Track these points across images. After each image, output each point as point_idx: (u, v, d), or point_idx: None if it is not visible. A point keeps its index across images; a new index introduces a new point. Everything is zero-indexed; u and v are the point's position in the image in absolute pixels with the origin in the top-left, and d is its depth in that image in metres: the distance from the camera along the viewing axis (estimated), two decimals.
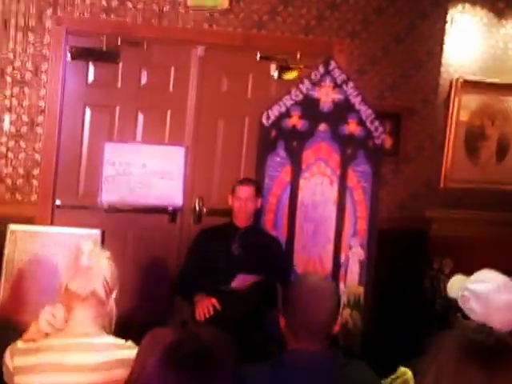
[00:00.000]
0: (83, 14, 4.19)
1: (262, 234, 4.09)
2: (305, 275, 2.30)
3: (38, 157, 4.20)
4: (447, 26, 4.74)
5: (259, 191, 4.00)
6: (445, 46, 4.76)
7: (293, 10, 4.49)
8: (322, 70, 4.38)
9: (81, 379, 2.01)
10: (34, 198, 4.20)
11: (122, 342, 2.10)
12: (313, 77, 4.37)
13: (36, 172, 4.20)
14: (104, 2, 4.21)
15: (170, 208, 4.43)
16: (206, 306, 3.56)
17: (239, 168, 4.55)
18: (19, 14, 4.11)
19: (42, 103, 4.18)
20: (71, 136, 4.30)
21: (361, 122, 4.44)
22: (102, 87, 4.35)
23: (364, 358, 2.37)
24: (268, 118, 4.32)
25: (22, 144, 4.18)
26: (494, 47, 4.89)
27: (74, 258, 2.15)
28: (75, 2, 4.17)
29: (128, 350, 2.01)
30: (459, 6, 4.77)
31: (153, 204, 4.39)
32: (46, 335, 2.10)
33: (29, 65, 4.15)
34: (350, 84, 4.41)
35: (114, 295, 2.18)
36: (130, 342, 2.09)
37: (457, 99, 4.81)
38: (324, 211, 4.42)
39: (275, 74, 4.56)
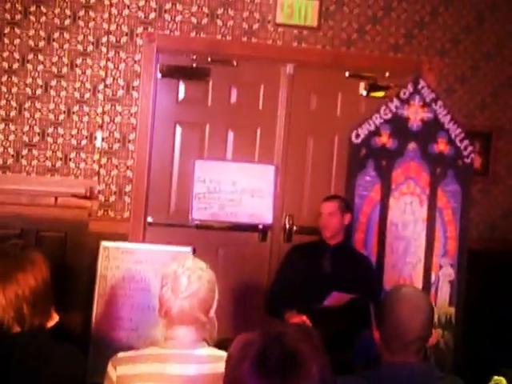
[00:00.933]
0: (173, 32, 4.19)
1: (353, 252, 4.02)
2: (399, 286, 2.25)
3: (130, 174, 4.17)
4: None
5: (346, 206, 3.93)
6: None
7: (381, 28, 4.45)
8: (410, 88, 4.34)
9: None
10: (126, 214, 4.18)
11: (223, 354, 2.00)
12: (402, 95, 4.32)
13: (128, 189, 4.17)
14: (194, 20, 4.21)
15: (261, 226, 4.39)
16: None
17: (329, 186, 4.49)
18: (111, 31, 4.13)
19: (133, 120, 4.17)
20: (162, 153, 4.28)
21: (450, 141, 4.38)
22: (192, 105, 4.33)
23: (457, 374, 2.33)
24: (357, 136, 4.28)
25: (114, 161, 4.16)
26: None
27: (173, 279, 2.07)
28: (165, 19, 4.17)
29: None
30: None
31: (243, 222, 4.35)
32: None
33: (120, 82, 4.14)
34: (439, 103, 4.36)
35: (214, 308, 2.15)
36: None
37: None
38: (414, 230, 4.35)
39: (364, 92, 4.53)
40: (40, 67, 4.06)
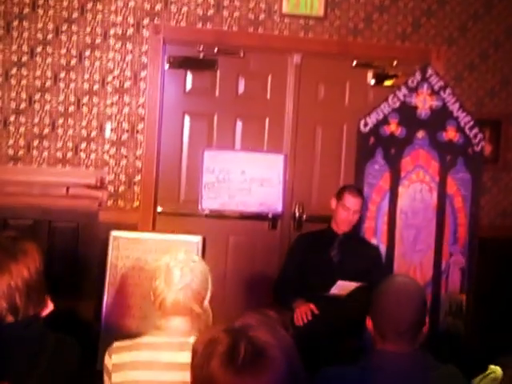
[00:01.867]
0: (179, 23, 4.22)
1: (361, 242, 4.02)
2: (392, 275, 2.25)
3: (139, 164, 4.20)
4: None
5: (364, 201, 3.95)
6: None
7: (388, 17, 4.44)
8: (419, 76, 4.34)
9: (173, 377, 1.98)
10: (135, 204, 4.20)
11: None
12: (410, 84, 4.32)
13: (137, 179, 4.20)
14: (200, 11, 4.23)
15: (270, 215, 4.39)
16: (304, 312, 3.51)
17: (338, 175, 4.50)
18: (117, 23, 4.17)
19: (141, 111, 4.20)
20: (171, 143, 4.30)
21: (459, 129, 4.37)
22: (200, 95, 4.35)
23: (465, 362, 2.33)
24: (366, 124, 4.29)
25: (123, 151, 4.20)
26: None
27: (165, 272, 2.10)
28: (171, 11, 4.19)
29: None
30: None
31: (253, 211, 4.36)
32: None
33: (128, 73, 4.18)
34: (448, 91, 4.36)
35: (207, 298, 2.15)
36: None
37: None
38: (424, 218, 4.34)
39: (372, 82, 4.54)
40: (49, 59, 4.10)
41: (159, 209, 4.30)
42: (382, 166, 4.32)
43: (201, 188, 4.27)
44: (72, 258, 4.19)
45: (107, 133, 4.19)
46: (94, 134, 4.19)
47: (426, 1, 4.49)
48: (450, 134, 4.37)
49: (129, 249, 4.05)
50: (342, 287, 3.63)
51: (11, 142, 4.13)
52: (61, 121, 4.15)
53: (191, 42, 4.25)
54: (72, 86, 4.14)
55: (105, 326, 3.99)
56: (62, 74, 4.13)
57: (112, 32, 4.17)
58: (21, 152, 4.14)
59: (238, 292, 4.35)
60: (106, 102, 4.19)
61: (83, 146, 4.18)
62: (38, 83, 4.12)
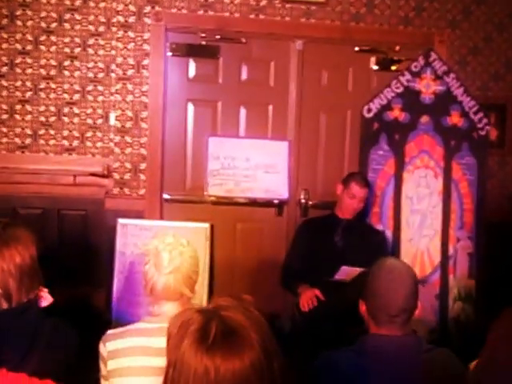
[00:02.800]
0: (181, 10, 4.24)
1: (365, 227, 4.04)
2: (384, 259, 2.26)
3: (144, 151, 4.24)
4: None
5: (370, 190, 3.98)
6: None
7: (390, 1, 4.44)
8: (422, 61, 4.35)
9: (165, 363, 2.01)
10: (141, 192, 4.24)
11: None
12: (413, 68, 4.34)
13: (143, 166, 4.24)
14: None
15: (276, 201, 4.42)
16: (309, 297, 3.54)
17: (343, 161, 4.52)
18: (119, 11, 4.20)
19: (145, 99, 4.23)
20: (175, 130, 4.33)
21: (464, 114, 4.36)
22: (203, 82, 4.38)
23: (475, 347, 2.34)
24: (369, 110, 4.32)
25: (128, 139, 4.23)
26: None
27: (155, 255, 2.11)
28: None
29: None
30: None
31: (259, 197, 4.38)
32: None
33: (130, 61, 4.21)
34: (452, 75, 4.37)
35: (198, 282, 2.16)
36: None
37: None
38: (429, 203, 4.35)
39: (375, 67, 4.55)
40: (53, 48, 4.13)
41: (166, 196, 4.34)
42: (386, 151, 4.35)
43: (206, 175, 4.31)
44: (81, 245, 4.24)
45: (112, 121, 4.25)
46: (99, 122, 4.23)
47: None
48: (455, 118, 4.39)
49: (136, 236, 4.11)
50: (346, 272, 3.64)
51: (18, 130, 4.18)
52: (66, 109, 4.19)
53: (193, 28, 4.27)
54: (77, 74, 4.18)
55: (115, 312, 4.05)
56: (67, 63, 4.17)
57: (114, 20, 4.22)
58: (27, 141, 4.19)
59: (246, 278, 4.38)
60: (111, 90, 4.25)
61: (89, 134, 4.23)
62: (42, 72, 4.16)
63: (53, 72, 4.18)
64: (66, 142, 4.22)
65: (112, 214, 4.10)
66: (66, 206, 4.19)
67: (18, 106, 4.18)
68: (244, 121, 4.46)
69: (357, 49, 4.53)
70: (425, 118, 4.38)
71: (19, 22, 4.15)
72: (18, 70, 4.16)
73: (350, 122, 4.54)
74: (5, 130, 4.17)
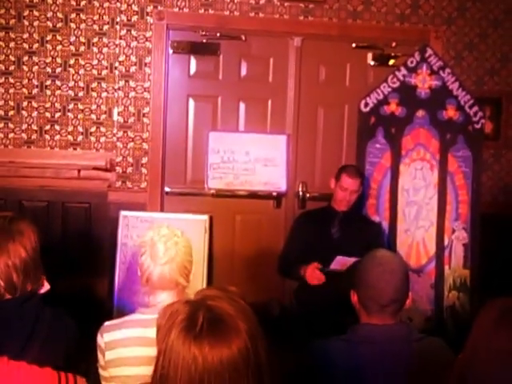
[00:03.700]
0: (182, 10, 4.35)
1: (361, 219, 4.10)
2: (375, 250, 2.30)
3: (145, 146, 4.36)
4: None
5: (363, 181, 4.02)
6: None
7: None
8: (418, 57, 4.42)
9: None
10: (143, 185, 4.37)
11: None
12: (409, 64, 4.40)
13: (145, 160, 4.37)
14: None
15: (275, 193, 4.52)
16: (316, 276, 3.63)
17: (340, 154, 4.61)
18: (122, 11, 4.32)
19: (147, 95, 4.35)
20: (176, 126, 4.45)
21: (459, 108, 4.42)
22: (203, 79, 4.50)
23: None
24: (366, 105, 4.40)
25: (130, 134, 4.36)
26: None
27: (150, 246, 2.15)
28: None
29: None
30: None
31: (258, 190, 4.49)
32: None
33: (133, 58, 4.33)
34: (447, 70, 4.43)
35: (192, 272, 2.21)
36: None
37: None
38: (425, 195, 4.41)
39: (372, 63, 4.64)
40: (59, 47, 4.27)
41: (167, 189, 4.46)
42: (382, 144, 4.43)
43: (206, 168, 4.44)
44: (85, 237, 4.38)
45: (115, 117, 4.38)
46: (103, 117, 4.36)
47: None
48: (450, 112, 4.46)
49: (138, 227, 4.24)
50: (341, 262, 3.70)
51: (24, 126, 4.33)
52: (71, 105, 4.33)
53: (194, 27, 4.39)
54: (81, 71, 4.31)
55: (117, 301, 4.19)
56: (72, 61, 4.30)
57: (118, 19, 4.35)
58: (34, 136, 4.33)
59: (244, 268, 4.49)
60: (115, 86, 4.39)
61: (93, 129, 4.36)
62: (48, 70, 4.30)
63: (58, 70, 4.33)
64: (70, 137, 4.36)
65: (115, 207, 4.23)
66: (70, 199, 4.33)
67: (25, 103, 4.32)
68: (243, 116, 4.57)
69: (354, 45, 4.63)
70: (421, 112, 4.45)
71: (26, 22, 4.29)
72: (25, 68, 4.30)
73: (348, 116, 4.64)
74: (12, 125, 4.32)
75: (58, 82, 4.33)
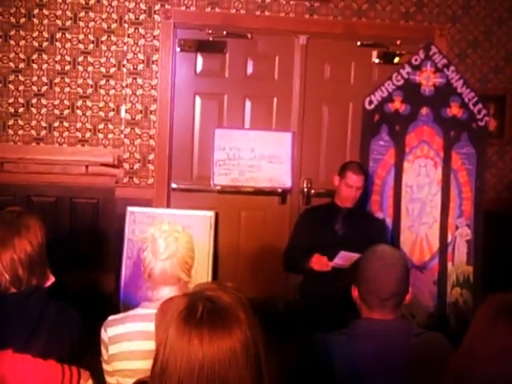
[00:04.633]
0: (189, 8, 4.38)
1: (365, 215, 4.10)
2: (375, 245, 2.29)
3: (152, 143, 4.39)
4: None
5: (366, 177, 4.03)
6: None
7: None
8: (422, 55, 4.42)
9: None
10: (150, 181, 4.39)
11: None
12: (413, 62, 4.40)
13: (151, 157, 4.40)
14: None
15: (280, 190, 4.54)
16: (322, 261, 3.64)
17: (345, 151, 4.63)
18: (130, 9, 4.35)
19: (154, 92, 4.38)
20: (183, 123, 4.48)
21: (463, 105, 4.41)
22: (210, 76, 4.52)
23: None
24: (371, 102, 4.40)
25: (138, 131, 4.38)
26: None
27: (151, 242, 2.15)
28: None
29: None
30: None
31: (263, 186, 4.51)
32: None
33: (141, 56, 4.36)
34: (452, 68, 4.42)
35: (195, 268, 2.21)
36: None
37: None
38: (429, 192, 4.41)
39: (376, 61, 4.64)
40: (68, 45, 4.30)
41: (173, 185, 4.49)
42: (386, 142, 4.43)
43: (212, 165, 4.46)
44: (92, 232, 4.42)
45: (122, 114, 4.41)
46: (111, 114, 4.39)
47: None
48: (454, 109, 4.46)
49: (145, 223, 4.26)
50: (345, 258, 3.69)
51: (34, 123, 4.36)
52: (80, 103, 4.36)
53: (201, 25, 4.41)
54: (90, 69, 4.34)
55: (123, 297, 4.21)
56: (80, 59, 4.34)
57: (126, 18, 4.37)
58: (43, 133, 4.37)
59: (249, 264, 4.51)
60: (123, 84, 4.41)
61: (101, 126, 4.39)
62: (58, 67, 4.34)
63: (67, 67, 4.36)
64: (79, 134, 4.40)
65: (122, 203, 4.26)
66: (78, 195, 4.37)
67: (34, 100, 4.36)
68: (249, 113, 4.59)
69: (359, 43, 4.63)
70: (425, 110, 4.45)
71: (36, 21, 4.32)
72: (35, 66, 4.34)
73: (352, 113, 4.65)
74: (21, 122, 4.36)
75: (67, 80, 4.36)
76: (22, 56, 4.33)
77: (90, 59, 4.36)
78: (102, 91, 4.39)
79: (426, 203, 4.46)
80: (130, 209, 4.26)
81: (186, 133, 4.52)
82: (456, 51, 4.64)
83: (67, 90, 4.37)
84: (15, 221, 2.11)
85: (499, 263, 4.46)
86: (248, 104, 4.58)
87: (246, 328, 1.31)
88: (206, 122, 4.53)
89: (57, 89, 4.36)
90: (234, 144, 4.47)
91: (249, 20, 4.45)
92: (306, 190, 4.62)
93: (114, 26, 4.37)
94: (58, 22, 4.33)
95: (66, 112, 4.38)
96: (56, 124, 4.38)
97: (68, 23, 4.34)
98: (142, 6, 4.37)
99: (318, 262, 3.66)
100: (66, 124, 4.38)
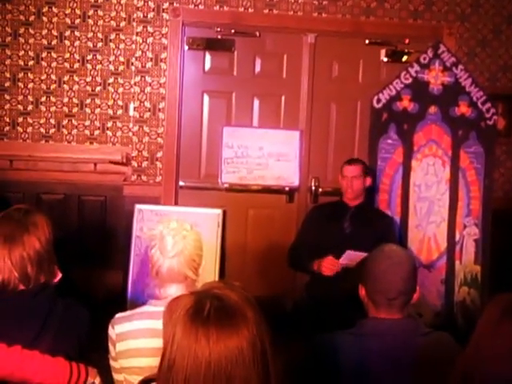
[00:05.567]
0: (198, 6, 4.37)
1: (373, 212, 4.06)
2: (383, 244, 2.28)
3: (160, 141, 4.39)
4: None
5: (367, 170, 3.97)
6: None
7: None
8: (430, 53, 4.40)
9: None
10: (158, 179, 4.40)
11: None
12: (422, 60, 4.38)
13: (160, 155, 4.39)
14: None
15: (288, 188, 4.54)
16: (333, 266, 3.61)
17: (353, 149, 4.60)
18: (138, 7, 4.35)
19: (162, 90, 4.38)
20: (191, 121, 4.48)
21: (472, 104, 4.39)
22: (218, 75, 4.52)
23: None
24: (379, 101, 4.39)
25: (146, 129, 4.38)
26: None
27: (160, 239, 2.14)
28: None
29: None
30: None
31: (271, 184, 4.51)
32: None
33: (149, 54, 4.36)
34: (460, 67, 4.40)
35: (202, 266, 2.20)
36: None
37: None
38: (437, 191, 4.39)
39: (385, 59, 4.62)
40: (77, 43, 4.31)
41: (181, 183, 4.49)
42: (394, 140, 4.41)
43: (220, 163, 4.45)
44: (101, 229, 4.42)
45: (131, 112, 4.40)
46: (119, 112, 4.39)
47: None
48: (463, 108, 4.43)
49: (152, 221, 4.26)
50: (351, 257, 3.66)
51: (43, 121, 4.36)
52: (88, 100, 4.37)
53: (209, 23, 4.41)
54: (98, 67, 4.35)
55: (131, 294, 4.21)
56: (89, 57, 4.34)
57: (134, 16, 4.37)
58: (52, 130, 4.37)
59: (256, 262, 4.50)
60: (131, 82, 4.41)
61: (109, 124, 4.40)
62: (67, 65, 4.34)
63: (76, 65, 4.36)
64: (87, 132, 4.40)
65: (130, 200, 4.25)
66: (86, 192, 4.38)
67: (43, 98, 4.36)
68: (257, 111, 4.59)
69: (367, 42, 4.62)
70: (433, 109, 4.42)
71: (45, 19, 4.33)
72: (44, 64, 4.34)
73: (360, 112, 4.64)
74: (30, 120, 4.37)
75: (76, 78, 4.37)
76: (31, 54, 4.34)
77: (99, 57, 4.37)
78: (111, 89, 4.39)
79: (433, 202, 4.44)
80: (137, 206, 4.23)
81: (194, 131, 4.52)
82: (465, 50, 4.61)
83: (76, 87, 4.37)
84: (23, 218, 2.12)
85: (507, 262, 4.44)
86: (256, 102, 4.58)
87: (252, 326, 1.30)
88: (214, 120, 4.52)
89: (66, 87, 4.37)
90: (242, 142, 4.46)
91: (257, 18, 4.44)
92: (313, 188, 4.61)
93: (122, 24, 4.37)
94: (67, 19, 4.34)
95: (75, 110, 4.39)
96: (65, 122, 4.39)
97: (77, 21, 4.34)
98: (151, 4, 4.37)
99: (329, 267, 3.63)
100: (74, 122, 4.39)
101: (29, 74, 4.35)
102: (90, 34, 4.35)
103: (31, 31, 4.33)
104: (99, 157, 4.37)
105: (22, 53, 4.32)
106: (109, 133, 4.40)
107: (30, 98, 4.36)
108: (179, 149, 4.44)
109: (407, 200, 4.42)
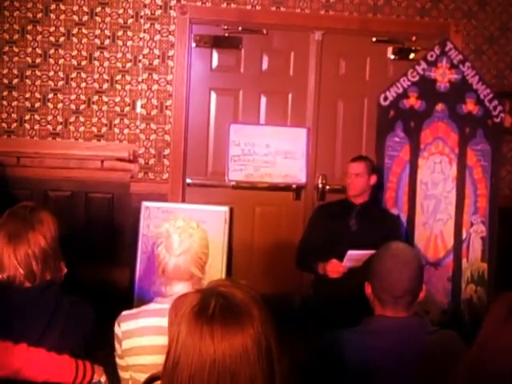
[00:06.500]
0: (205, 4, 4.34)
1: (379, 211, 4.02)
2: (389, 242, 2.25)
3: (167, 138, 4.36)
4: None
5: (372, 167, 3.93)
6: None
7: None
8: (438, 51, 4.36)
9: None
10: (165, 176, 4.37)
11: None
12: (429, 58, 4.34)
13: (167, 152, 4.36)
14: None
15: (295, 186, 4.51)
16: (339, 270, 3.60)
17: (360, 147, 4.56)
18: (146, 5, 4.33)
19: (169, 88, 4.36)
20: (198, 118, 4.45)
21: (479, 101, 4.35)
22: (225, 72, 4.49)
23: None
24: (386, 98, 4.36)
25: (153, 126, 4.35)
26: None
27: (166, 237, 2.13)
28: None
29: None
30: None
31: (278, 182, 4.48)
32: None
33: (156, 52, 4.33)
34: (467, 64, 4.36)
35: (208, 263, 2.18)
36: None
37: None
38: (444, 189, 4.36)
39: (392, 57, 4.59)
40: (84, 40, 4.29)
41: (188, 180, 4.46)
42: (401, 138, 4.38)
43: (227, 160, 4.43)
44: (107, 226, 4.41)
45: (138, 109, 4.38)
46: (126, 110, 4.37)
47: None
48: (470, 106, 4.39)
49: (159, 218, 4.25)
50: (354, 257, 3.62)
51: (50, 118, 4.35)
52: (96, 98, 4.35)
53: (216, 21, 4.38)
54: (106, 64, 4.33)
55: (138, 292, 4.20)
56: (97, 54, 4.32)
57: (142, 13, 4.35)
58: (59, 127, 4.36)
59: (263, 259, 4.47)
60: (139, 79, 4.40)
61: (117, 121, 4.38)
62: (74, 62, 4.32)
63: (83, 62, 4.34)
64: (94, 129, 4.38)
65: (137, 197, 4.22)
66: (93, 189, 4.36)
67: (51, 95, 4.35)
68: (264, 109, 4.55)
69: (374, 39, 4.58)
70: (440, 106, 4.38)
71: (53, 16, 4.32)
72: (51, 61, 4.33)
73: (367, 109, 4.60)
74: (38, 117, 4.35)
75: (83, 75, 4.36)
76: (38, 51, 4.32)
77: (106, 54, 4.35)
78: (118, 86, 4.37)
79: (440, 200, 4.40)
80: (144, 203, 4.21)
81: (201, 128, 4.49)
82: (472, 47, 4.57)
83: (83, 85, 4.36)
84: (29, 216, 2.11)
85: None
86: (263, 100, 4.55)
87: (258, 325, 1.29)
88: (221, 117, 4.50)
89: (73, 84, 4.35)
90: (249, 140, 4.44)
91: (264, 16, 4.41)
92: (320, 185, 4.58)
93: (130, 21, 4.35)
94: (75, 17, 4.32)
95: (82, 107, 4.37)
96: (72, 119, 4.37)
97: (85, 18, 4.33)
98: (158, 2, 4.35)
99: (334, 271, 3.61)
100: (81, 119, 4.37)
101: (36, 71, 4.33)
102: (98, 32, 4.33)
103: (39, 28, 4.32)
104: (106, 154, 4.35)
105: (29, 50, 4.31)
106: (116, 130, 4.39)
107: (38, 95, 4.35)
108: (186, 146, 4.42)
109: (414, 198, 4.39)
